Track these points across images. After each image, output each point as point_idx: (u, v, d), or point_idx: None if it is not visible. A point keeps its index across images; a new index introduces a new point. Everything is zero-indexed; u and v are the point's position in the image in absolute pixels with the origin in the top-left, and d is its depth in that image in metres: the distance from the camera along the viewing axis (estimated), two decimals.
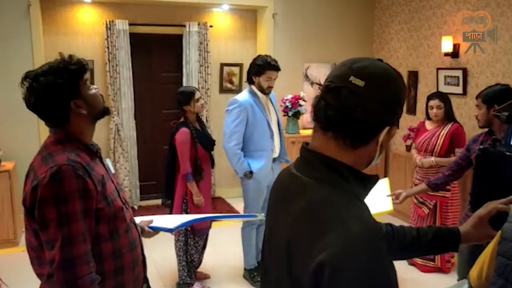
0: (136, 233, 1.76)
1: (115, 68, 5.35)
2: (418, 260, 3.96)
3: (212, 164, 3.74)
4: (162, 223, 2.15)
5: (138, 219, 2.04)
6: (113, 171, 1.82)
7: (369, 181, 1.03)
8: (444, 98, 3.85)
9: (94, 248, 1.56)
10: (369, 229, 0.91)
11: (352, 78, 0.97)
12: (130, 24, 5.37)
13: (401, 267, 4.03)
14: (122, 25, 5.32)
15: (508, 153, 1.34)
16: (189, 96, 3.49)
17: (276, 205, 1.13)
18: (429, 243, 1.34)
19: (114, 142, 5.46)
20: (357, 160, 1.01)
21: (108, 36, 5.28)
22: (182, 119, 3.53)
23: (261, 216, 2.87)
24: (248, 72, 3.68)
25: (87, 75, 1.66)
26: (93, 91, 1.68)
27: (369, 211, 0.98)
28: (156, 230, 2.07)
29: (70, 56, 1.64)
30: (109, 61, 5.31)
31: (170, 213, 3.60)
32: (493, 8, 4.43)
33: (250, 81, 3.68)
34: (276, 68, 3.60)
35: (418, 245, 1.35)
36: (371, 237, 0.90)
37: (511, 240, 1.09)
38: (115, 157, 5.47)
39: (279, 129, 3.84)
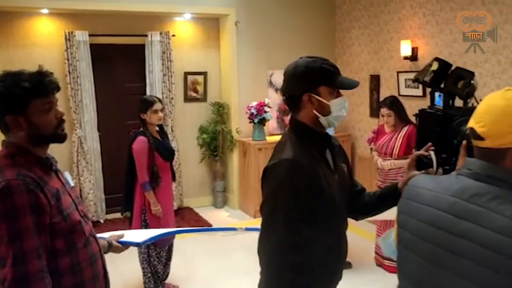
0: (96, 247, 1.71)
1: (76, 80, 5.23)
2: (385, 261, 4.01)
3: (173, 176, 3.71)
4: (131, 237, 2.13)
5: (107, 234, 2.01)
6: (72, 184, 1.77)
7: (308, 132, 1.68)
8: (392, 105, 3.93)
9: (51, 263, 1.51)
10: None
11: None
12: (90, 35, 5.28)
13: (368, 268, 4.10)
14: (82, 36, 5.22)
15: (432, 111, 1.65)
16: (147, 105, 3.46)
17: None
18: (377, 197, 1.78)
19: (77, 155, 5.33)
20: (304, 119, 1.68)
21: (67, 48, 5.17)
22: (141, 128, 3.49)
23: (242, 229, 2.86)
24: None
25: (49, 99, 1.57)
26: (47, 116, 1.56)
27: (309, 153, 1.63)
28: (125, 244, 2.03)
29: (42, 74, 1.56)
30: (70, 73, 5.19)
31: (130, 225, 3.55)
32: (447, 12, 4.58)
33: None
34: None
35: (372, 200, 1.79)
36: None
37: (402, 212, 1.32)
38: (78, 171, 5.34)
39: None
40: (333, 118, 1.65)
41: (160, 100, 3.56)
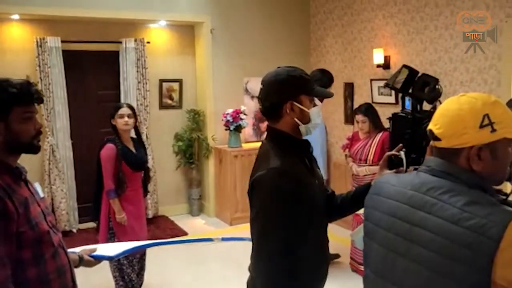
0: (65, 259, 1.68)
1: (48, 86, 5.14)
2: (360, 267, 4.05)
3: (145, 189, 3.66)
4: (103, 251, 2.09)
5: (79, 248, 1.98)
6: (41, 195, 1.73)
7: (291, 140, 1.72)
8: (366, 112, 4.01)
9: (18, 274, 1.47)
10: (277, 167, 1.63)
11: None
12: (63, 41, 5.20)
13: (343, 274, 4.13)
14: (54, 42, 5.13)
15: (403, 115, 1.78)
16: (114, 110, 3.44)
17: None
18: (351, 198, 1.82)
19: (49, 163, 5.22)
20: (283, 128, 1.71)
21: (39, 54, 5.07)
22: (114, 135, 3.45)
23: (218, 239, 2.83)
24: None
25: (32, 108, 1.59)
26: (27, 125, 1.58)
27: (293, 161, 1.68)
28: (97, 259, 1.99)
29: (29, 83, 1.59)
30: (41, 80, 5.09)
31: (97, 233, 3.51)
32: (417, 22, 4.70)
33: None
34: None
35: (346, 201, 1.83)
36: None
37: (368, 206, 1.43)
38: (50, 179, 5.23)
39: None
40: (312, 126, 1.72)
41: (130, 107, 3.51)
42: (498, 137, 1.18)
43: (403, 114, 1.78)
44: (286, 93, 1.67)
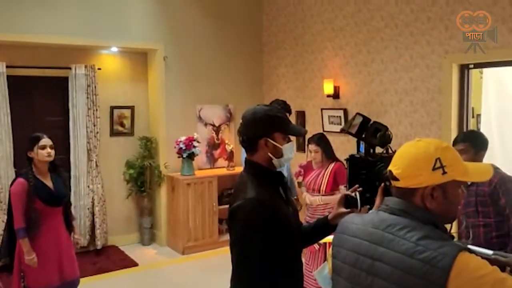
0: None
1: None
2: None
3: (67, 223, 3.43)
4: None
5: None
6: None
7: (266, 172, 1.88)
8: (319, 141, 4.05)
9: None
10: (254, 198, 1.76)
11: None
12: (8, 67, 5.01)
13: None
14: None
15: (358, 157, 1.94)
16: (32, 141, 3.26)
17: None
18: (312, 229, 1.99)
19: None
20: (259, 160, 1.87)
21: None
22: (27, 169, 3.26)
23: None
24: None
25: None
26: None
27: (268, 191, 1.83)
28: None
29: None
30: None
31: (10, 273, 3.28)
32: (364, 55, 4.90)
33: None
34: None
35: (308, 233, 1.99)
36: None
37: (335, 245, 1.51)
38: None
39: None
40: (284, 160, 1.89)
41: (51, 139, 3.35)
42: (448, 179, 1.31)
43: (358, 156, 1.95)
44: (261, 130, 1.85)
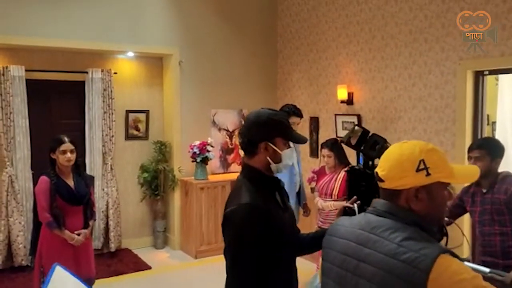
0: None
1: (9, 116, 5.02)
2: None
3: (85, 222, 3.48)
4: None
5: None
6: None
7: (263, 177, 1.86)
8: (332, 147, 4.08)
9: None
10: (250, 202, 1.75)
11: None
12: (27, 70, 5.12)
13: None
14: (17, 71, 5.05)
15: (358, 169, 1.97)
16: (55, 144, 3.34)
17: None
18: (311, 239, 1.95)
19: (7, 195, 5.04)
20: (256, 164, 1.86)
21: (1, 83, 4.97)
22: (50, 168, 3.37)
23: None
24: None
25: None
26: None
27: (264, 196, 1.80)
28: None
29: None
30: (2, 109, 4.98)
31: (32, 270, 3.39)
32: (378, 61, 4.90)
33: None
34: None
35: (306, 242, 1.96)
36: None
37: (325, 246, 1.53)
38: (8, 211, 5.04)
39: None
40: (283, 165, 1.88)
41: (73, 142, 3.42)
42: (432, 180, 1.32)
43: (358, 168, 2.00)
44: (263, 133, 1.84)
